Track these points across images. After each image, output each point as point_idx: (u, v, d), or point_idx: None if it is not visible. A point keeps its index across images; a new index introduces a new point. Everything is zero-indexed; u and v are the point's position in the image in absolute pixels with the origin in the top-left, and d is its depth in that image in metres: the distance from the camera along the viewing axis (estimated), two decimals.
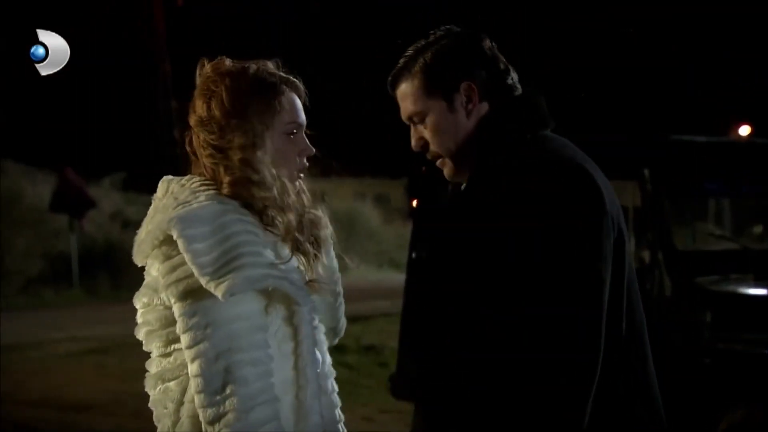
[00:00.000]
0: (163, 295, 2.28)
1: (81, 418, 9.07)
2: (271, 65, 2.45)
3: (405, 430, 7.78)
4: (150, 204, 2.43)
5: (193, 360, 2.20)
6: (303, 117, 2.45)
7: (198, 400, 2.20)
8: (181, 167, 2.49)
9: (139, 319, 2.38)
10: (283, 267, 2.30)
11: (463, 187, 2.45)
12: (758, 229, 8.14)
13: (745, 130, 19.32)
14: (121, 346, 11.87)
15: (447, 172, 2.49)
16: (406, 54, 2.48)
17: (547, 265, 2.13)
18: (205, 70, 2.44)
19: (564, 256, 2.14)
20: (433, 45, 2.46)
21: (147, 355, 2.43)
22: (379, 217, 30.62)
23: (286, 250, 2.36)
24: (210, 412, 2.17)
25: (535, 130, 2.38)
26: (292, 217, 2.40)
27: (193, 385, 2.21)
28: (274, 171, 2.38)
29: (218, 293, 2.16)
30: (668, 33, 26.59)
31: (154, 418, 2.39)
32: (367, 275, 24.26)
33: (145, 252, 2.32)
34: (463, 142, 2.43)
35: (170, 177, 2.46)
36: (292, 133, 2.43)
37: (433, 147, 2.47)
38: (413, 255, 7.88)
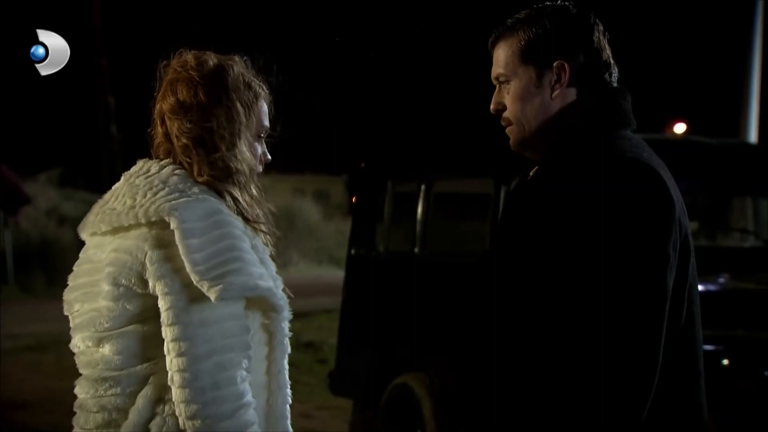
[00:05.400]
0: (150, 283, 2.22)
1: (17, 415, 8.97)
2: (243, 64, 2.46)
3: (344, 427, 7.79)
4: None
5: (180, 354, 2.17)
6: (268, 123, 2.48)
7: (181, 394, 2.17)
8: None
9: (94, 303, 2.30)
10: (268, 274, 2.32)
11: (530, 176, 2.42)
12: (694, 226, 8.24)
13: (680, 128, 19.55)
14: (58, 344, 11.73)
15: (512, 141, 2.47)
16: (517, 16, 2.46)
17: (610, 270, 2.14)
18: (185, 58, 2.40)
19: (628, 263, 2.15)
20: (543, 17, 2.43)
21: None
22: (319, 214, 30.49)
23: (266, 254, 2.38)
24: (194, 407, 2.15)
25: (615, 130, 2.37)
26: (260, 213, 2.42)
27: (177, 379, 2.17)
28: (252, 163, 2.41)
29: (211, 295, 2.16)
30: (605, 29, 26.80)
31: (87, 421, 2.33)
32: (306, 272, 24.25)
33: (122, 222, 2.26)
34: (537, 120, 2.40)
35: (148, 159, 2.40)
36: (260, 137, 2.46)
37: (507, 113, 2.45)
38: (353, 251, 7.89)
